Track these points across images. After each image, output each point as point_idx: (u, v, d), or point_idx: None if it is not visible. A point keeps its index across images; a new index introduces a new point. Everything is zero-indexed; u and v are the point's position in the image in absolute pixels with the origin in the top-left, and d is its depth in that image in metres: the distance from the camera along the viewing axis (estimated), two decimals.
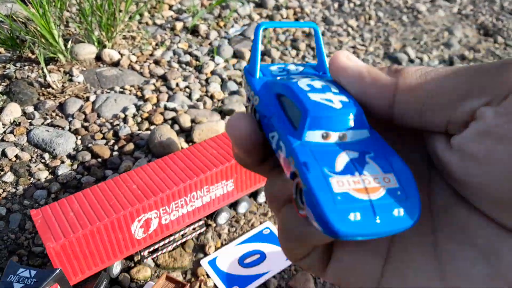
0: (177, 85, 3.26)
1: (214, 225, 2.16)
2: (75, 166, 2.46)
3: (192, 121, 2.88)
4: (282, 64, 0.46)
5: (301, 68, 0.46)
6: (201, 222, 2.08)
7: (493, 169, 0.28)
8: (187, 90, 3.24)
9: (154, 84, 3.23)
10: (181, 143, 2.65)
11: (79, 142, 2.64)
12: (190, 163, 1.98)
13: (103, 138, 2.70)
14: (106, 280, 1.75)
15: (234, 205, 2.25)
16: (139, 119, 2.89)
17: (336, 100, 0.36)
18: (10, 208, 2.15)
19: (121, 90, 3.16)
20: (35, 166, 2.42)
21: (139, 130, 2.78)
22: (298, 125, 0.35)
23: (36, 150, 2.55)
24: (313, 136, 0.35)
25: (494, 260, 0.30)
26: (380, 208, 0.31)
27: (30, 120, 2.74)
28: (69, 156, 2.54)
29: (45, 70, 3.04)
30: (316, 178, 0.31)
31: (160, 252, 1.94)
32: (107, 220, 1.66)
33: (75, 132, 2.70)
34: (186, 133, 2.78)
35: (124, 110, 2.93)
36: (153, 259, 1.94)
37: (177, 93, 3.15)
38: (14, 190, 2.26)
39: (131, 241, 1.78)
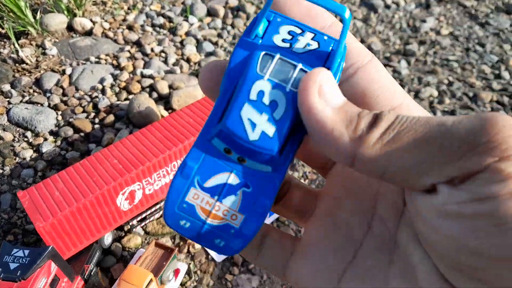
0: (152, 50, 3.24)
1: None
2: (58, 143, 2.51)
3: (170, 87, 2.90)
4: (302, 26, 0.39)
5: (313, 46, 0.38)
6: None
7: (442, 241, 0.28)
8: (163, 54, 3.22)
9: (129, 51, 3.20)
10: (161, 111, 2.69)
11: (59, 117, 2.67)
12: (168, 133, 2.03)
13: (83, 111, 2.73)
14: (99, 251, 1.86)
15: None
16: (117, 89, 2.90)
17: (262, 126, 0.34)
18: (0, 189, 2.22)
19: (97, 60, 3.13)
20: (19, 146, 2.47)
21: (118, 100, 2.81)
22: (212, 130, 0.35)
23: (18, 129, 2.58)
24: (217, 146, 0.35)
25: None
26: (207, 231, 0.34)
27: (8, 99, 2.75)
28: (51, 132, 2.58)
29: (16, 45, 3.00)
30: (182, 181, 0.34)
31: (148, 220, 2.05)
32: (92, 196, 1.74)
33: (55, 108, 2.73)
34: (165, 100, 2.81)
35: (102, 81, 2.93)
36: (142, 227, 2.05)
37: (152, 59, 3.14)
38: (1, 171, 2.32)
39: (118, 213, 1.88)
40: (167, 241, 1.99)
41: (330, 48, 0.37)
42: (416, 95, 2.82)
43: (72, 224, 1.72)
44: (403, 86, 2.90)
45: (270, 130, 0.34)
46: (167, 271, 1.74)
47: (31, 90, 2.84)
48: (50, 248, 1.56)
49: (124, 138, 2.05)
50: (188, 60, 3.20)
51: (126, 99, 2.82)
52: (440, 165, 0.28)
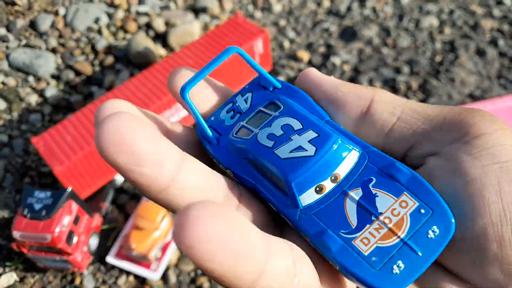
0: None
1: None
2: (61, 86, 2.54)
3: (166, 24, 2.87)
4: (229, 102, 0.39)
5: (250, 96, 0.39)
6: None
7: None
8: None
9: None
10: (158, 50, 2.69)
11: (59, 61, 2.68)
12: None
13: (82, 53, 2.72)
14: (112, 190, 1.99)
15: None
16: (113, 29, 2.87)
17: (305, 143, 0.32)
18: (11, 134, 2.31)
19: None
20: (23, 91, 2.51)
21: (115, 40, 2.79)
22: (287, 192, 0.32)
23: (20, 74, 2.60)
24: (308, 197, 0.32)
25: None
26: (415, 241, 0.29)
27: (6, 43, 2.73)
28: (53, 76, 2.60)
29: None
30: (341, 251, 0.29)
31: None
32: None
33: (53, 51, 2.72)
34: (162, 38, 2.80)
35: (97, 20, 2.89)
36: None
37: None
38: (9, 117, 2.39)
39: None
40: None
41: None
42: (416, 26, 2.80)
43: (86, 166, 1.83)
44: (402, 16, 2.87)
45: (311, 134, 0.34)
46: None
47: (27, 33, 2.81)
48: (69, 189, 1.67)
49: (126, 81, 2.09)
50: None
51: (123, 38, 2.80)
52: (430, 138, 0.33)
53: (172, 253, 1.84)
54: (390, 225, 0.30)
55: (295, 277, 0.27)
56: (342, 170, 0.32)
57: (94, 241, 1.82)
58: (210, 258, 0.22)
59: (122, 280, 1.79)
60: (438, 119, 0.34)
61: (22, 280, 1.81)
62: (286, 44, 2.79)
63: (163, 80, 2.04)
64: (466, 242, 0.30)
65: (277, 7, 3.02)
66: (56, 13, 2.92)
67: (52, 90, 2.50)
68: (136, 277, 1.80)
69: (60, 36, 2.81)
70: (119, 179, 2.03)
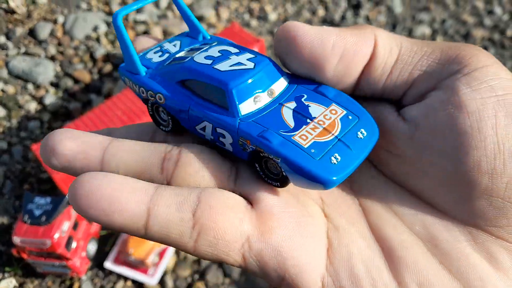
0: None
1: None
2: (60, 94, 2.58)
3: (164, 32, 2.92)
4: (156, 47, 0.42)
5: (178, 43, 0.43)
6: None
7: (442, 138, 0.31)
8: None
9: None
10: None
11: (58, 68, 2.72)
12: None
13: (81, 61, 2.76)
14: None
15: None
16: (112, 37, 2.91)
17: (244, 60, 0.35)
18: (10, 141, 2.34)
19: (88, 7, 3.10)
20: (23, 98, 2.54)
21: (114, 48, 2.83)
22: (226, 104, 0.34)
23: (19, 81, 2.63)
24: (247, 107, 0.34)
25: (435, 248, 0.31)
26: (347, 139, 0.32)
27: (5, 51, 2.77)
28: (52, 84, 2.64)
29: None
30: (282, 144, 0.31)
31: None
32: None
33: (52, 59, 2.76)
34: None
35: (95, 29, 2.93)
36: None
37: None
38: (8, 124, 2.42)
39: None
40: None
41: None
42: (409, 34, 2.86)
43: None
44: (396, 25, 2.93)
45: (248, 55, 0.38)
46: None
47: (26, 41, 2.85)
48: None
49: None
50: None
51: None
52: (427, 73, 0.34)
53: (169, 259, 1.87)
54: (324, 126, 0.33)
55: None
56: (277, 88, 0.36)
57: (92, 247, 1.85)
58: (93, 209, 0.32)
59: (119, 285, 1.82)
60: (436, 54, 0.33)
61: (21, 285, 1.84)
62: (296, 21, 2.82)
63: None
64: (457, 175, 0.30)
65: (272, 16, 3.08)
66: (55, 22, 2.96)
67: (51, 98, 2.54)
68: (134, 282, 1.83)
69: (59, 44, 2.85)
70: None
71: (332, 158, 0.31)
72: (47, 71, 2.66)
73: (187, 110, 0.36)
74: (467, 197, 0.30)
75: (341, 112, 0.34)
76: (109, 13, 3.05)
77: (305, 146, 0.32)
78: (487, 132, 0.29)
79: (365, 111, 0.34)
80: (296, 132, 0.32)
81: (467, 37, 2.80)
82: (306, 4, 3.17)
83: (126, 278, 1.84)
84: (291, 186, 0.34)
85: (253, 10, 3.12)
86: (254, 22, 3.03)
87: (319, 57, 0.35)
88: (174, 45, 0.43)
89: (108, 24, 2.96)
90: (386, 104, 0.37)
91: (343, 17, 3.03)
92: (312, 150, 0.32)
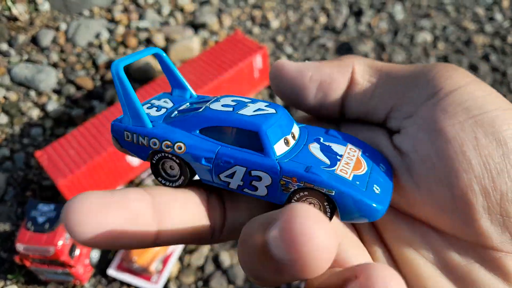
0: (145, 1, 3.21)
1: None
2: (62, 101, 2.58)
3: (166, 39, 2.92)
4: (145, 103, 0.41)
5: (167, 99, 0.42)
6: None
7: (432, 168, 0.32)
8: (156, 5, 3.20)
9: (122, 4, 3.17)
10: (159, 65, 2.73)
11: (60, 75, 2.72)
12: (170, 90, 2.11)
13: (83, 68, 2.77)
14: None
15: None
16: (114, 44, 2.92)
17: (262, 107, 0.36)
18: (13, 148, 2.33)
19: (90, 15, 3.11)
20: (25, 105, 2.54)
21: (116, 55, 2.84)
22: (261, 146, 0.34)
23: (21, 88, 2.63)
24: (280, 148, 0.34)
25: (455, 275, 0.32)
26: (376, 172, 0.34)
27: (7, 58, 2.77)
28: (54, 91, 2.64)
29: (8, 1, 2.96)
30: (332, 178, 0.32)
31: None
32: (105, 153, 1.86)
33: (55, 66, 2.76)
34: None
35: (98, 36, 2.94)
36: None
37: (146, 11, 3.12)
38: (11, 131, 2.41)
39: (129, 168, 2.00)
40: None
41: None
42: (411, 41, 2.87)
43: (89, 180, 1.85)
44: (397, 31, 2.94)
45: (262, 103, 0.38)
46: None
47: (28, 48, 2.86)
48: None
49: None
50: (182, 10, 3.19)
51: (124, 53, 2.85)
52: (405, 98, 0.35)
53: (172, 266, 1.85)
54: (354, 161, 0.35)
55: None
56: (295, 131, 0.37)
57: (95, 254, 1.84)
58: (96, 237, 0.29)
59: None
60: (412, 78, 0.35)
61: None
62: (284, 59, 2.83)
63: None
64: (455, 200, 0.31)
65: (274, 23, 3.09)
66: (57, 29, 2.97)
67: (53, 104, 2.54)
68: None
69: (62, 51, 2.86)
70: None
71: (374, 188, 0.33)
72: (49, 78, 2.66)
73: (213, 158, 0.35)
74: (469, 219, 0.31)
75: (358, 150, 0.36)
76: (111, 20, 3.07)
77: (350, 179, 0.33)
78: (471, 154, 0.30)
79: (374, 149, 0.37)
80: (336, 167, 0.34)
81: (468, 44, 2.81)
82: (308, 12, 3.19)
83: (129, 285, 1.82)
84: None
85: (255, 17, 3.13)
86: (256, 30, 3.04)
87: (300, 87, 0.39)
88: (165, 101, 0.42)
89: (110, 31, 2.97)
90: (377, 130, 0.39)
91: (345, 24, 3.05)
92: (357, 182, 0.33)
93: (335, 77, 0.39)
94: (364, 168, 0.34)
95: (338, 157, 0.35)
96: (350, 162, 0.34)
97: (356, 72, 0.39)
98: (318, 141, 0.37)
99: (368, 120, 0.39)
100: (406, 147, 0.34)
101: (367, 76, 0.38)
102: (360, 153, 0.36)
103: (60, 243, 1.62)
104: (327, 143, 0.37)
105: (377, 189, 0.33)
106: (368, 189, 0.32)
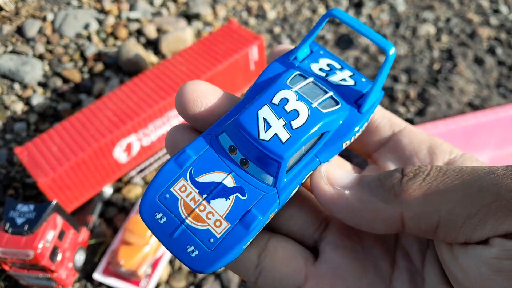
0: None
1: None
2: (48, 94, 2.45)
3: (158, 30, 2.79)
4: (342, 63, 0.38)
5: (348, 82, 0.37)
6: None
7: None
8: None
9: None
10: (150, 56, 2.61)
11: (47, 68, 2.59)
12: (161, 82, 1.99)
13: (71, 60, 2.64)
14: (100, 203, 1.89)
15: None
16: (103, 35, 2.79)
17: (276, 129, 0.32)
18: None
19: (79, 4, 2.98)
20: (8, 99, 2.41)
21: (105, 46, 2.71)
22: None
23: (5, 81, 2.50)
24: (223, 143, 0.34)
25: None
26: (183, 232, 0.29)
27: None
28: (40, 84, 2.51)
29: None
30: (174, 168, 0.31)
31: (147, 171, 2.07)
32: (90, 150, 1.74)
33: (41, 57, 2.63)
34: (154, 45, 2.72)
35: (87, 26, 2.81)
36: (142, 177, 2.07)
37: (138, 1, 2.99)
38: None
39: (116, 166, 1.88)
40: None
41: (366, 90, 0.35)
42: (413, 33, 2.76)
43: (72, 178, 1.74)
44: (399, 23, 2.83)
45: (284, 135, 0.31)
46: None
47: (14, 39, 2.72)
48: (54, 202, 1.58)
49: (116, 89, 2.01)
50: (175, 0, 3.06)
51: (114, 45, 2.73)
52: (498, 218, 0.26)
53: (162, 269, 1.74)
54: (198, 210, 0.31)
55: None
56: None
57: (80, 257, 1.72)
58: None
59: None
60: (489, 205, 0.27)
61: None
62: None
63: (154, 88, 1.96)
64: None
65: (271, 14, 2.97)
66: (44, 19, 2.84)
67: (38, 98, 2.41)
68: None
69: (48, 42, 2.73)
70: (107, 191, 1.94)
71: (158, 214, 0.31)
72: (35, 70, 2.53)
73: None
74: None
75: (218, 232, 0.31)
76: (101, 10, 2.93)
77: (170, 188, 0.32)
78: None
79: (228, 257, 0.30)
80: (185, 185, 0.33)
81: (473, 36, 2.71)
82: (306, 2, 3.07)
83: None
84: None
85: (251, 8, 3.01)
86: (252, 21, 2.92)
87: None
88: (336, 74, 0.38)
89: (99, 21, 2.84)
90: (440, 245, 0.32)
91: None
92: (167, 195, 0.32)
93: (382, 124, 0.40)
94: (185, 216, 0.30)
95: (203, 195, 0.31)
96: (193, 205, 0.31)
97: (404, 130, 0.39)
98: (237, 189, 0.33)
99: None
100: (471, 271, 0.28)
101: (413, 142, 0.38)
102: (213, 228, 0.30)
103: (40, 246, 1.50)
104: (231, 196, 0.31)
105: (162, 218, 0.30)
106: (155, 205, 0.31)
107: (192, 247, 0.29)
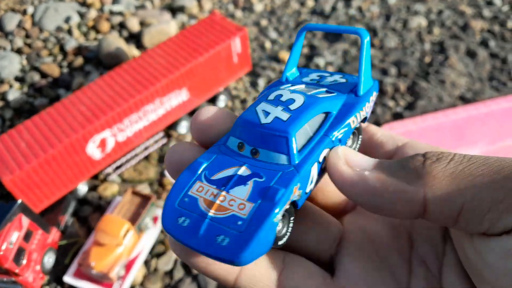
0: None
1: (176, 135, 2.18)
2: (25, 89, 2.36)
3: (141, 23, 2.71)
4: (321, 71, 0.42)
5: (340, 81, 0.40)
6: (161, 134, 2.09)
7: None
8: None
9: None
10: (132, 50, 2.52)
11: (24, 62, 2.50)
12: (139, 75, 1.91)
13: (50, 54, 2.55)
14: (74, 201, 1.81)
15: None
16: (84, 29, 2.70)
17: (276, 113, 0.34)
18: None
19: None
20: None
21: (86, 40, 2.62)
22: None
23: None
24: (231, 146, 0.37)
25: None
26: (209, 226, 0.29)
27: None
28: (17, 78, 2.42)
29: None
30: (188, 175, 0.32)
31: (124, 168, 1.99)
32: (60, 146, 1.65)
33: (19, 51, 2.54)
34: (136, 39, 2.64)
35: (67, 20, 2.72)
36: (118, 175, 1.99)
37: None
38: None
39: (90, 162, 1.80)
40: (145, 188, 1.94)
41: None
42: (404, 26, 2.68)
43: (42, 176, 1.65)
44: (390, 15, 2.75)
45: (284, 116, 0.33)
46: (144, 218, 1.70)
47: None
48: (19, 202, 1.49)
49: (92, 82, 1.93)
50: None
51: (95, 39, 2.64)
52: None
53: (137, 271, 1.66)
54: (218, 201, 0.32)
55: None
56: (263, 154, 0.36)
57: (49, 259, 1.64)
58: None
59: None
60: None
61: None
62: (268, 44, 2.64)
63: (130, 81, 1.88)
64: None
65: (258, 7, 2.89)
66: (24, 12, 2.75)
67: (15, 93, 2.32)
68: None
69: (27, 36, 2.64)
70: (81, 189, 1.85)
71: (183, 218, 0.32)
72: (12, 65, 2.44)
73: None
74: None
75: (243, 213, 0.32)
76: (83, 4, 2.84)
77: (188, 192, 0.33)
78: None
79: (257, 235, 0.30)
80: (204, 183, 0.34)
81: (465, 28, 2.62)
82: None
83: None
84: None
85: (237, 0, 2.92)
86: (238, 13, 2.83)
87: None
88: (322, 77, 0.44)
89: (81, 15, 2.75)
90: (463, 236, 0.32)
91: (333, 8, 2.85)
92: (185, 199, 0.33)
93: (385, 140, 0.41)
94: (209, 211, 0.31)
95: (221, 186, 0.33)
96: (215, 197, 0.32)
97: (406, 145, 0.39)
98: (252, 175, 0.34)
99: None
100: (497, 265, 0.27)
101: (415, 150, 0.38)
102: (238, 211, 0.30)
103: (3, 247, 1.42)
104: (249, 182, 0.33)
105: (185, 221, 0.31)
106: (177, 212, 0.31)
107: (222, 236, 0.29)
